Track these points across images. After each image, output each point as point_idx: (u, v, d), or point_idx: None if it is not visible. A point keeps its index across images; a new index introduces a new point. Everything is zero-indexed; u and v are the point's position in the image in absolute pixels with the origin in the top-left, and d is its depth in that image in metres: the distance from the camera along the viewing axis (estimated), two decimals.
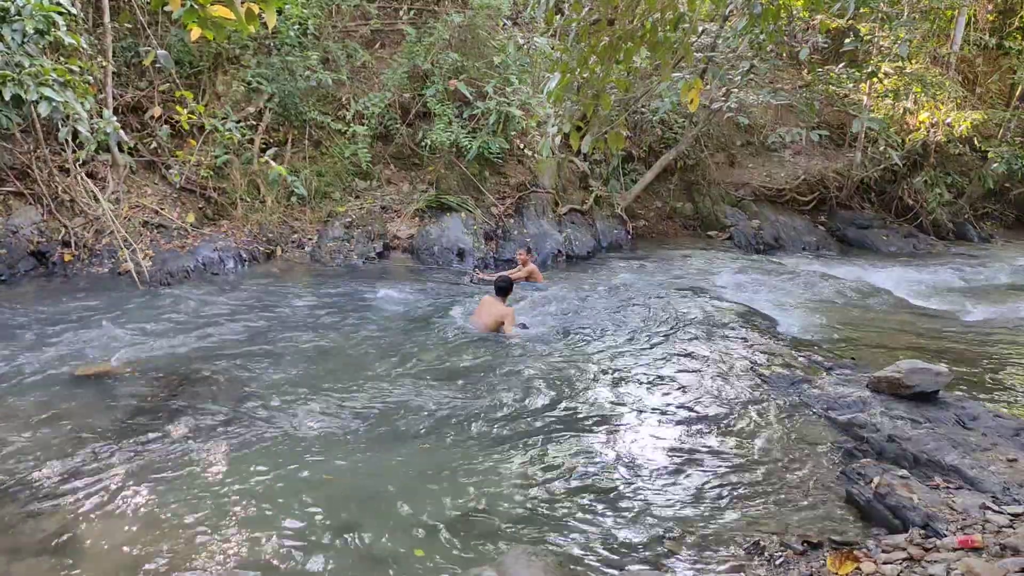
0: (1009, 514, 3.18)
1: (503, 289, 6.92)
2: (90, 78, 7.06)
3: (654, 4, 4.00)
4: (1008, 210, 15.83)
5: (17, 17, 5.23)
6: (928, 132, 13.73)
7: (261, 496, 3.65)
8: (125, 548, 3.19)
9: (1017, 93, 15.42)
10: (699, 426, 4.70)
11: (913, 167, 14.26)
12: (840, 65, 12.76)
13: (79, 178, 8.43)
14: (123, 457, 4.00)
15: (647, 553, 3.28)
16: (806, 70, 14.70)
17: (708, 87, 10.73)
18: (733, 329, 6.76)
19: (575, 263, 10.70)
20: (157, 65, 9.15)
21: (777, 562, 3.08)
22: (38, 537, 3.26)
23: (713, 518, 3.59)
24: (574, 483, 3.95)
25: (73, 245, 8.33)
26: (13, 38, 5.22)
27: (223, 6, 2.60)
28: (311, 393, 5.06)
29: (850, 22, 11.78)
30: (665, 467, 4.15)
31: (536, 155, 10.92)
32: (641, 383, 5.45)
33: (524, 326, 6.85)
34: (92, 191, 8.35)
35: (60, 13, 5.44)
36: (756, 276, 10.00)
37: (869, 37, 12.38)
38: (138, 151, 9.42)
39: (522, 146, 11.24)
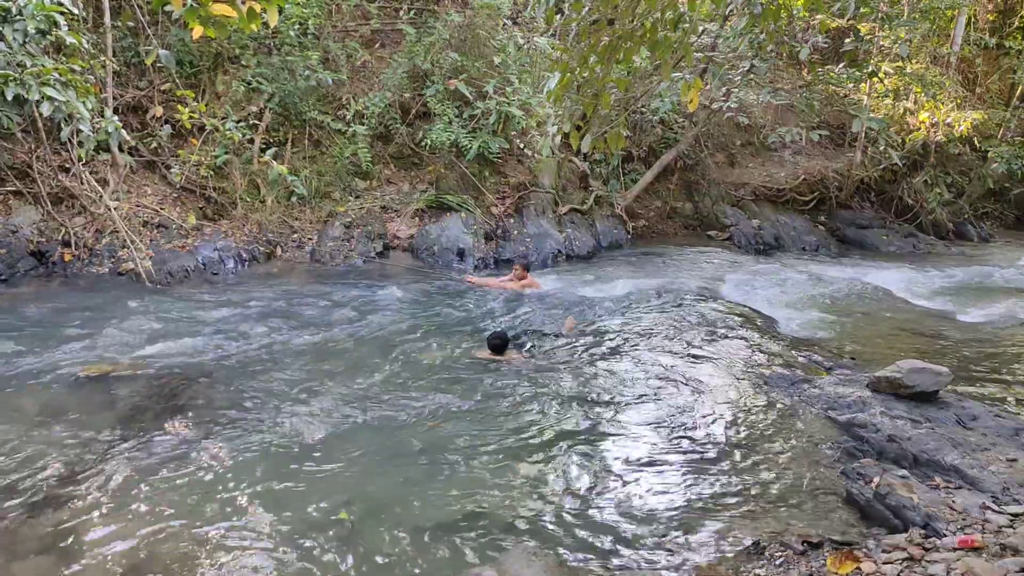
0: (1009, 514, 3.19)
1: (499, 348, 5.96)
2: (91, 78, 7.06)
3: (654, 4, 4.01)
4: (1008, 210, 15.82)
5: (19, 17, 5.23)
6: (928, 132, 13.72)
7: (261, 496, 3.66)
8: (126, 548, 3.19)
9: (1017, 93, 15.42)
10: (699, 426, 4.70)
11: (913, 167, 14.25)
12: (840, 65, 12.76)
13: (83, 177, 8.42)
14: (124, 457, 4.01)
15: (647, 553, 3.29)
16: (806, 70, 14.71)
17: (708, 87, 10.72)
18: (733, 329, 6.76)
19: (575, 263, 10.69)
20: (158, 65, 9.16)
21: (777, 562, 3.08)
22: (38, 537, 3.26)
23: (713, 518, 3.59)
24: (574, 483, 3.95)
25: (73, 245, 8.33)
26: (15, 38, 5.22)
27: (225, 4, 2.60)
28: (311, 393, 5.06)
29: (850, 22, 11.77)
30: (665, 467, 4.15)
31: (536, 155, 10.90)
32: (641, 384, 5.45)
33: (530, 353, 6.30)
34: (98, 189, 8.34)
35: (61, 13, 5.43)
36: (756, 276, 10.00)
37: (869, 37, 12.38)
38: (138, 151, 9.43)
39: (522, 146, 11.23)
